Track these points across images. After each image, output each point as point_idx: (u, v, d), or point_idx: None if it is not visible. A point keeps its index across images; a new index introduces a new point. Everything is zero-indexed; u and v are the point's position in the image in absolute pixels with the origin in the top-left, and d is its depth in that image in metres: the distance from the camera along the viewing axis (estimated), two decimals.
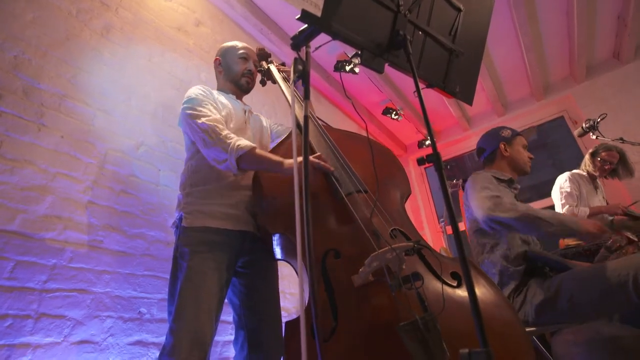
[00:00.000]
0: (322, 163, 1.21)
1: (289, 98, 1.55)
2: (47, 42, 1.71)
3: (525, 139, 1.87)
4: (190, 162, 1.44)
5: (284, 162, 1.21)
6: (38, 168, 1.51)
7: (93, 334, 1.47)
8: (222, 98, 1.49)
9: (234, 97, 1.58)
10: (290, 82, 0.80)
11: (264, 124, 1.69)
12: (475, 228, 1.71)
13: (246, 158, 1.22)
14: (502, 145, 1.82)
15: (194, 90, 1.43)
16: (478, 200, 1.55)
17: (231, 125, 1.43)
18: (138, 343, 1.60)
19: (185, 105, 1.39)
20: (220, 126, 1.30)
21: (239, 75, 1.59)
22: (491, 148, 1.86)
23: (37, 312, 1.34)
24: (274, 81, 1.67)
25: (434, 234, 4.89)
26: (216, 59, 1.65)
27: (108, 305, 1.55)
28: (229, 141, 1.24)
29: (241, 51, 1.60)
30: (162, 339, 1.68)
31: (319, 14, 0.72)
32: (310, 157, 1.17)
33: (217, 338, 1.87)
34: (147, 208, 1.85)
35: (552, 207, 2.82)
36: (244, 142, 1.24)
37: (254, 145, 1.25)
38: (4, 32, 1.57)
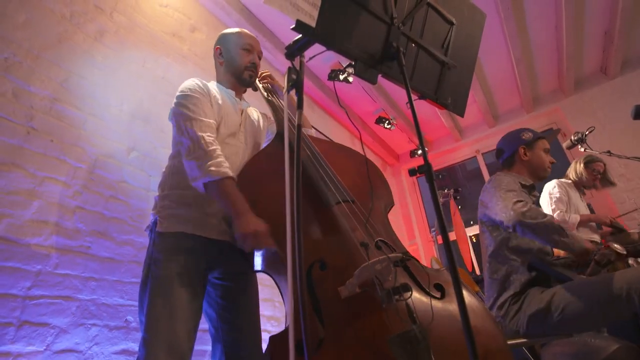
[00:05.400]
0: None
1: (279, 106, 1.51)
2: (39, 44, 1.69)
3: (549, 142, 1.81)
4: (172, 161, 1.36)
5: (244, 216, 1.08)
6: (26, 172, 1.48)
7: (77, 343, 1.44)
8: (219, 96, 1.40)
9: (233, 93, 1.48)
10: (285, 90, 0.80)
11: (261, 123, 1.60)
12: (482, 229, 1.69)
13: (212, 187, 1.13)
14: (522, 150, 1.76)
15: (190, 84, 1.33)
16: (505, 201, 1.51)
17: (223, 131, 1.36)
18: (124, 352, 1.57)
19: (178, 101, 1.29)
20: (208, 138, 1.21)
21: (241, 69, 1.45)
22: (510, 150, 1.79)
23: (20, 319, 1.31)
24: (255, 88, 1.57)
25: (425, 243, 4.91)
26: (216, 48, 1.50)
27: (94, 312, 1.52)
28: (206, 161, 1.14)
29: (245, 41, 1.47)
30: None
31: (313, 24, 0.73)
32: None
33: (204, 347, 1.84)
34: (137, 214, 1.83)
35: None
36: (219, 169, 1.14)
37: (228, 175, 1.14)
38: None
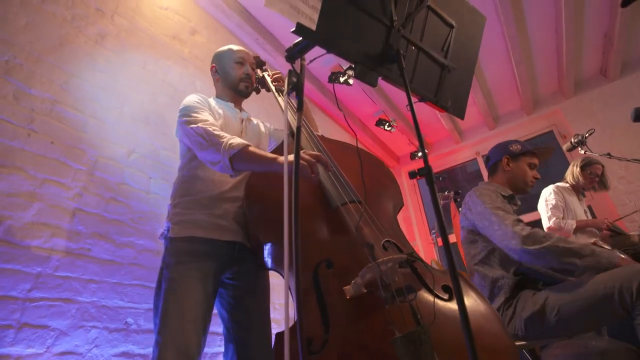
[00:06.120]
0: (312, 156, 1.11)
1: (283, 107, 1.55)
2: (40, 47, 1.70)
3: (541, 159, 1.81)
4: (182, 172, 1.43)
5: (278, 159, 1.16)
6: (26, 174, 1.48)
7: (77, 345, 1.43)
8: (218, 107, 1.47)
9: (232, 105, 1.56)
10: (284, 93, 0.80)
11: (262, 129, 1.67)
12: (468, 238, 1.70)
13: (239, 157, 1.19)
14: (505, 160, 1.78)
15: (190, 98, 1.42)
16: (504, 226, 1.48)
17: None
18: (124, 354, 1.57)
19: (180, 114, 1.38)
20: (215, 127, 1.28)
21: (237, 81, 1.56)
22: (495, 159, 1.82)
23: (20, 321, 1.31)
24: (268, 89, 1.65)
25: (425, 245, 4.90)
26: (212, 67, 1.62)
27: (94, 315, 1.52)
28: (221, 140, 1.21)
29: (237, 55, 1.57)
30: (149, 351, 1.65)
31: (313, 27, 0.73)
32: (305, 153, 1.12)
33: (205, 349, 1.83)
34: (137, 216, 1.83)
35: (539, 220, 2.86)
36: (236, 141, 1.21)
37: (247, 143, 1.21)
38: None
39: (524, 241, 1.40)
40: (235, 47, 1.60)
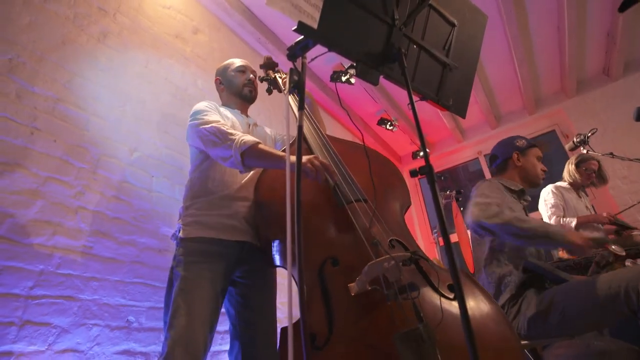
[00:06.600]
0: (321, 163, 1.15)
1: (293, 107, 1.61)
2: (43, 46, 1.70)
3: (541, 151, 1.84)
4: (193, 175, 1.48)
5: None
6: (29, 172, 1.49)
7: (79, 343, 1.44)
8: (227, 113, 1.54)
9: (239, 111, 1.63)
10: (286, 91, 0.80)
11: (269, 134, 1.73)
12: (485, 232, 1.70)
13: (250, 153, 1.24)
14: (516, 155, 1.79)
15: (199, 104, 1.49)
16: (471, 206, 1.55)
17: None
18: (125, 352, 1.57)
19: (192, 118, 1.44)
20: (227, 126, 1.35)
21: (240, 87, 1.64)
22: (504, 157, 1.83)
23: (22, 319, 1.31)
24: (280, 90, 1.72)
25: (427, 245, 4.90)
26: (216, 79, 1.71)
27: (95, 313, 1.52)
28: (233, 137, 1.27)
29: (238, 65, 1.68)
30: (150, 349, 1.66)
31: (315, 25, 0.73)
32: (311, 157, 1.16)
33: None
34: (139, 215, 1.83)
35: (541, 219, 2.85)
36: (247, 138, 1.26)
37: (258, 140, 1.27)
38: None
39: (477, 215, 1.45)
40: (235, 60, 1.72)
